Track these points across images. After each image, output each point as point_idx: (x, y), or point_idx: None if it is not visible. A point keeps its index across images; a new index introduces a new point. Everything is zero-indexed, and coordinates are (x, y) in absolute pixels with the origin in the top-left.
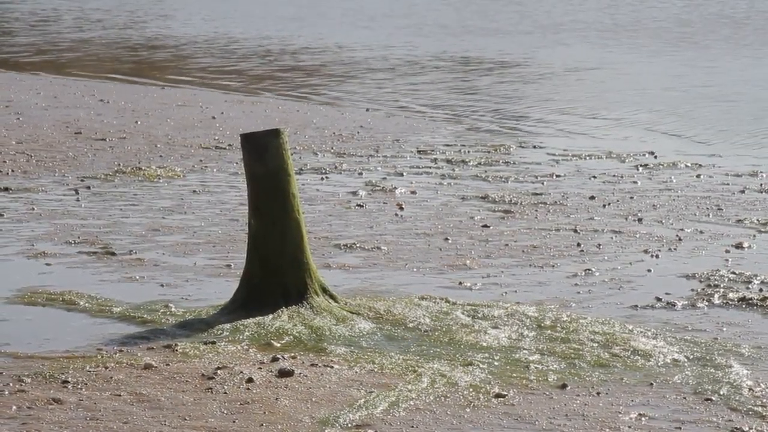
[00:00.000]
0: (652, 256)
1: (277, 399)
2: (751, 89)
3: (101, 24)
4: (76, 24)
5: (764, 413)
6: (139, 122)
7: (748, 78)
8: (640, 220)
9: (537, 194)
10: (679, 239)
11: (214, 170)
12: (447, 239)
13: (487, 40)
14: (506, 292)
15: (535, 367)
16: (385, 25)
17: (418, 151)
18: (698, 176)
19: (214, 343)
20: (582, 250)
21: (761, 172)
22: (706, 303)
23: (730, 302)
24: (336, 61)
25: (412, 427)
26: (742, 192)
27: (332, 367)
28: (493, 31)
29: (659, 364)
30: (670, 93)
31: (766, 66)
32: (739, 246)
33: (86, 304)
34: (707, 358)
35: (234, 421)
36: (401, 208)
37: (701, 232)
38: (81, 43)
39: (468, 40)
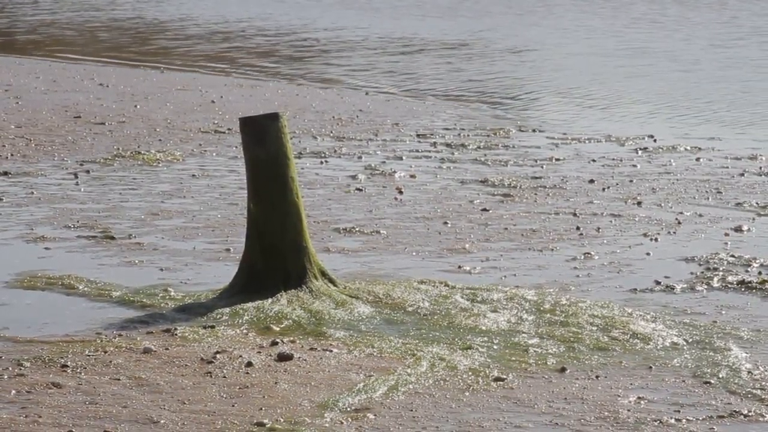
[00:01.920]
0: (651, 239)
1: (276, 383)
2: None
3: (98, 5)
4: (75, 8)
5: (763, 396)
6: (138, 106)
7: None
8: (639, 203)
9: (536, 178)
10: (679, 222)
11: (214, 154)
12: (446, 223)
13: (479, 21)
14: (505, 276)
15: (534, 351)
16: (385, 6)
17: (418, 135)
18: (698, 159)
19: (213, 327)
20: (581, 234)
21: (761, 155)
22: (705, 286)
23: (729, 285)
24: (335, 43)
25: (412, 410)
26: (742, 175)
27: (331, 351)
28: (483, 12)
29: (658, 347)
30: (671, 74)
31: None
32: (738, 229)
33: (85, 288)
34: (706, 341)
35: (233, 405)
36: (400, 192)
37: (700, 215)
38: (79, 25)
39: (466, 23)
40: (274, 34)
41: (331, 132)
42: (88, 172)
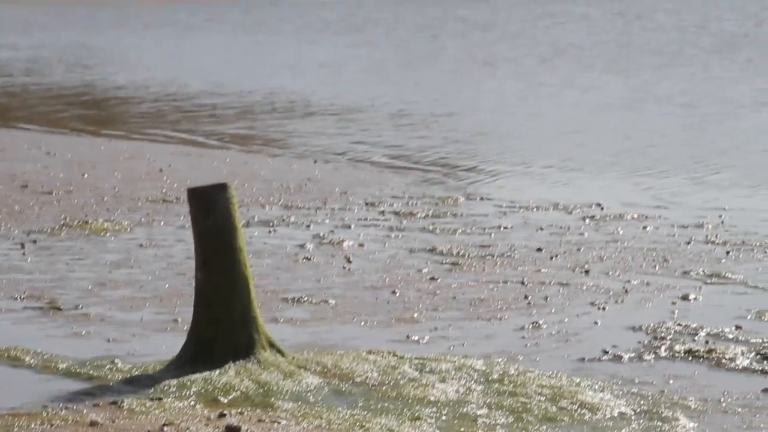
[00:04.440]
0: (598, 308)
1: None
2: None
3: (45, 73)
4: (24, 72)
5: None
6: (86, 175)
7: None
8: (587, 272)
9: (484, 246)
10: (626, 291)
11: (162, 223)
12: (395, 292)
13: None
14: (454, 346)
15: (483, 422)
16: (338, 70)
17: (366, 204)
18: (645, 228)
19: (160, 399)
20: (529, 303)
21: (707, 223)
22: (653, 355)
23: (677, 354)
24: (286, 108)
25: None
26: (688, 243)
27: (280, 422)
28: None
29: (606, 417)
30: (613, 135)
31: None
32: (685, 298)
33: (32, 360)
34: (654, 411)
35: None
36: (349, 261)
37: (648, 284)
38: (29, 93)
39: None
40: (222, 102)
41: (280, 201)
42: (35, 242)
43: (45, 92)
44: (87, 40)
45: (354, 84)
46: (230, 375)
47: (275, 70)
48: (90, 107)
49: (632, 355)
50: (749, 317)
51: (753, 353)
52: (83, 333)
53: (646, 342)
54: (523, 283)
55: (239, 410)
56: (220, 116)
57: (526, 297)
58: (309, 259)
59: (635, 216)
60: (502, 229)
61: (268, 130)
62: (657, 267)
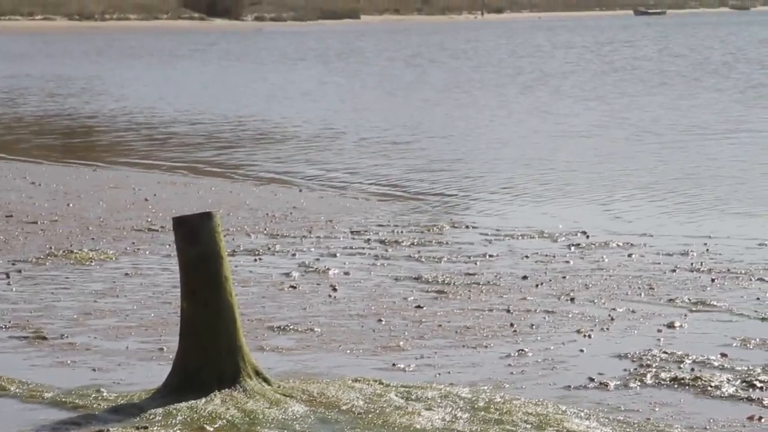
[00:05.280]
0: (584, 335)
1: None
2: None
3: (31, 103)
4: (9, 102)
5: None
6: (71, 205)
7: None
8: (572, 299)
9: (470, 274)
10: (612, 319)
11: (147, 252)
12: (380, 320)
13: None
14: (440, 374)
15: None
16: (320, 100)
17: (351, 232)
18: (630, 255)
19: (146, 428)
20: (515, 331)
21: (692, 251)
22: (639, 383)
23: (663, 382)
24: (269, 136)
25: None
26: (673, 271)
27: None
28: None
29: None
30: (600, 165)
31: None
32: (671, 325)
33: (17, 390)
34: None
35: None
36: (334, 290)
37: (633, 311)
38: (11, 122)
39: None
40: (210, 129)
41: (265, 229)
42: (20, 271)
43: (26, 122)
44: (70, 71)
45: (336, 111)
46: (216, 403)
47: (265, 98)
48: (73, 136)
49: (618, 382)
50: (734, 344)
51: (738, 380)
52: (69, 362)
53: (631, 370)
54: (508, 311)
55: None
56: (204, 145)
57: (511, 325)
58: (294, 288)
59: (620, 244)
60: (487, 257)
61: (250, 158)
62: (642, 294)
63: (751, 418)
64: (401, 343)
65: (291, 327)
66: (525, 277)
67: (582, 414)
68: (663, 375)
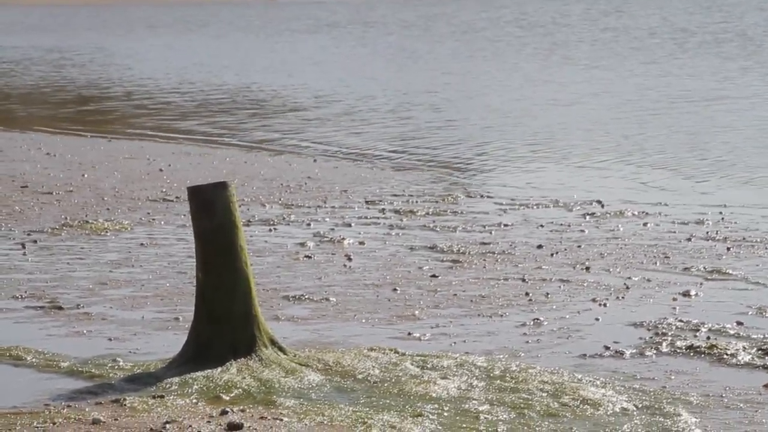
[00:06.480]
0: (600, 304)
1: None
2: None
3: (46, 72)
4: (23, 73)
5: None
6: (85, 175)
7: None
8: (587, 268)
9: (485, 244)
10: (627, 288)
11: (162, 223)
12: (396, 290)
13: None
14: (455, 342)
15: (485, 418)
16: (328, 69)
17: (366, 202)
18: (645, 224)
19: (162, 397)
20: (530, 300)
21: (707, 219)
22: (655, 351)
23: (678, 350)
24: (285, 107)
25: None
26: (689, 240)
27: (281, 419)
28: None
29: (608, 413)
30: (615, 125)
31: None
32: (686, 294)
33: (33, 360)
34: (656, 406)
35: None
36: (349, 259)
37: (649, 280)
38: (27, 93)
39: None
40: (224, 99)
41: (280, 199)
42: (35, 242)
43: (41, 93)
44: (89, 41)
45: (352, 81)
46: (232, 373)
47: (288, 68)
48: (89, 107)
49: (634, 351)
50: (750, 313)
51: (754, 349)
52: (85, 332)
53: (647, 338)
54: (524, 280)
55: (241, 407)
56: (220, 114)
57: (527, 294)
58: (310, 258)
59: (635, 213)
60: (502, 226)
61: (268, 127)
62: (658, 263)
63: (767, 385)
64: (416, 312)
65: (306, 296)
66: (540, 246)
67: (597, 382)
68: (678, 343)
